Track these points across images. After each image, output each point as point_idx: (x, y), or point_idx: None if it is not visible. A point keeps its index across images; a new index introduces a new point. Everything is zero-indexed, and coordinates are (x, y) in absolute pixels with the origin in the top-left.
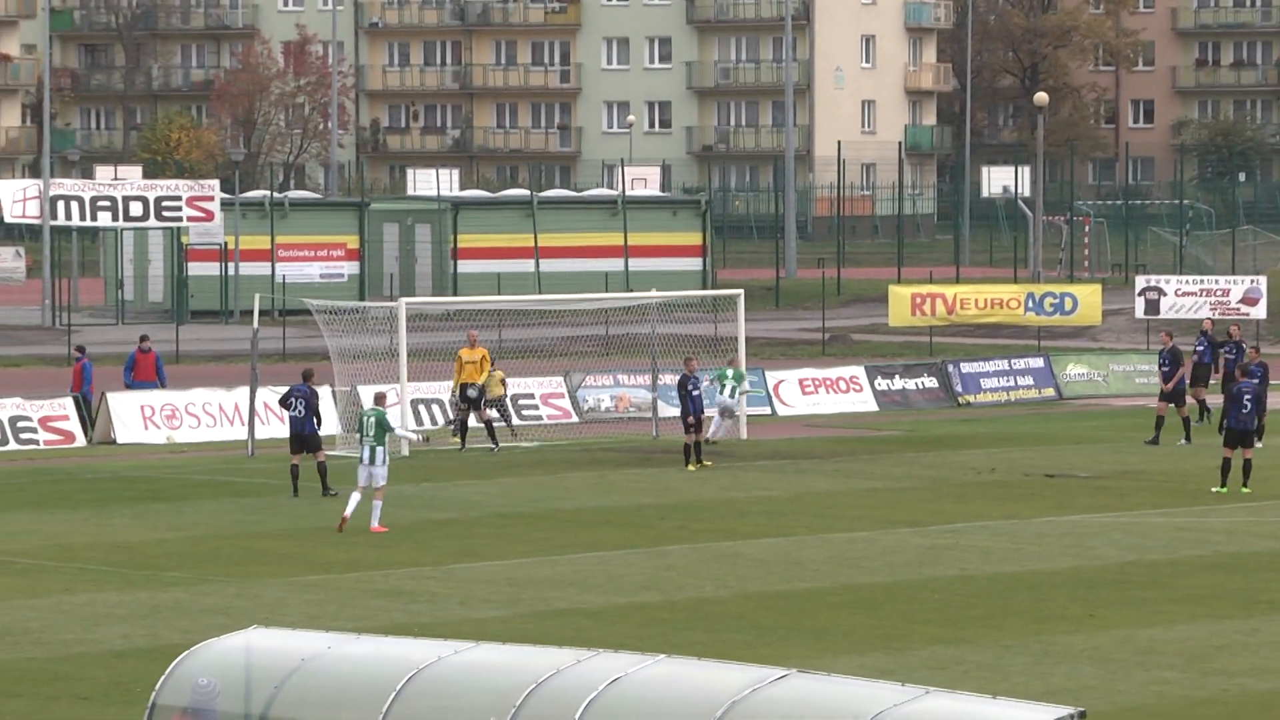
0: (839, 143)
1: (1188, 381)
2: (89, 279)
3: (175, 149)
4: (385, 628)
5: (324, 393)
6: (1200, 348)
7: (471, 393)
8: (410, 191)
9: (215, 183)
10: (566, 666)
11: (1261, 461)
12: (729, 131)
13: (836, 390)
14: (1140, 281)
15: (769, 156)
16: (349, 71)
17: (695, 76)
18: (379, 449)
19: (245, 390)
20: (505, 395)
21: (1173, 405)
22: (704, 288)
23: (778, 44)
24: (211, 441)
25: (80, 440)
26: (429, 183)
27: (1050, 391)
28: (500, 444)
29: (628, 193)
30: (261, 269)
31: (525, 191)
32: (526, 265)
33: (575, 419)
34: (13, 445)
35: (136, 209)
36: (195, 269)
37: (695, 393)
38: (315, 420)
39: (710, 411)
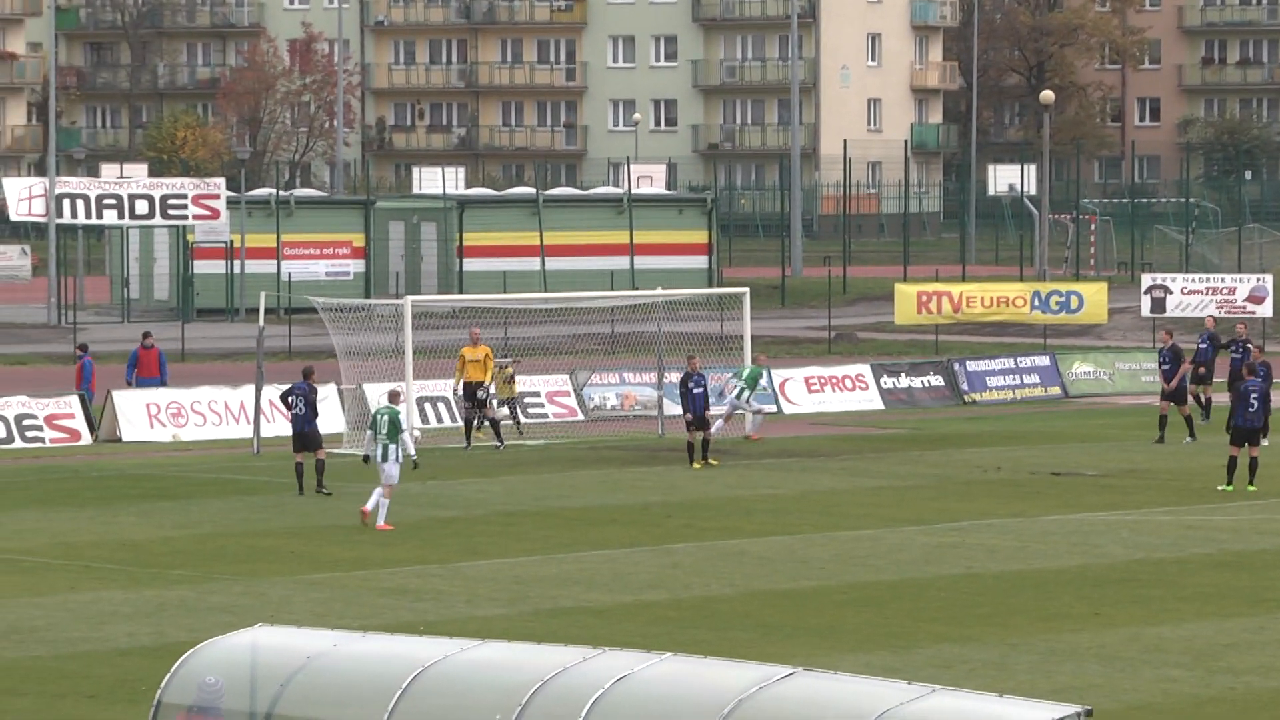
0: (845, 141)
1: (1189, 380)
2: (94, 277)
3: (181, 147)
4: (391, 626)
5: (330, 390)
6: (1203, 345)
7: (482, 394)
8: (416, 190)
9: (221, 181)
10: (573, 665)
11: (1268, 460)
12: (734, 130)
13: (842, 388)
14: (1146, 280)
15: (775, 155)
16: (355, 70)
17: (701, 75)
18: (391, 447)
19: (250, 388)
20: (514, 394)
21: (1174, 404)
22: (710, 286)
23: (783, 42)
24: (217, 439)
25: (86, 438)
26: (434, 181)
27: (1056, 390)
28: (505, 442)
29: (633, 191)
30: (267, 267)
31: (531, 190)
32: (532, 263)
33: (581, 417)
34: (19, 443)
35: (142, 207)
36: (201, 267)
37: (697, 391)
38: (316, 418)
39: (720, 409)
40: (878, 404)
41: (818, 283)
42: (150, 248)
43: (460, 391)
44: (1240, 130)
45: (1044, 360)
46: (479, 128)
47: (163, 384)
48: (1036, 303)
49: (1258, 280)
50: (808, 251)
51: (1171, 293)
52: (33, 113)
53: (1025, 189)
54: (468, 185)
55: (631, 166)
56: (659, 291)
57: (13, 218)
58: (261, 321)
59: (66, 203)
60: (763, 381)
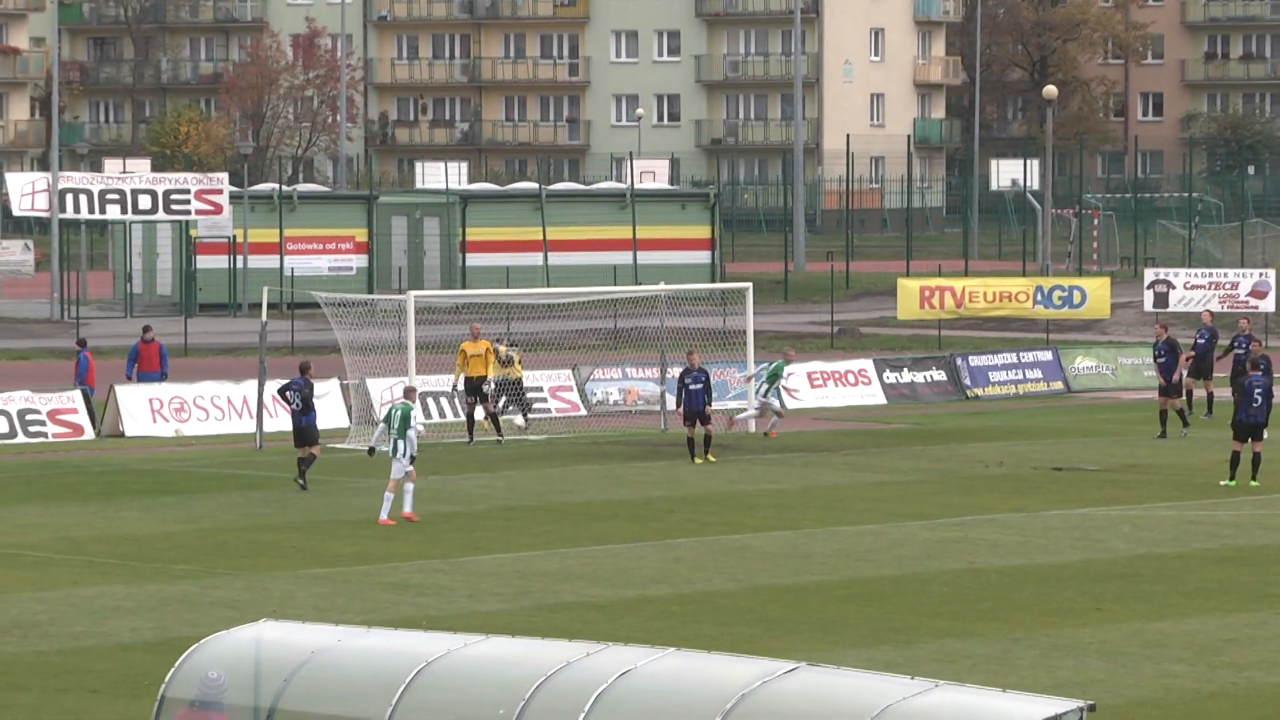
0: (848, 136)
1: (1186, 374)
2: (97, 272)
3: (184, 142)
4: (393, 620)
5: (332, 385)
6: (1201, 340)
7: (487, 388)
8: (419, 185)
9: (224, 176)
10: (576, 659)
11: (1270, 455)
12: (738, 125)
13: (845, 383)
14: (1149, 275)
15: (778, 150)
16: (358, 65)
17: (704, 70)
18: (400, 443)
19: (253, 383)
20: (519, 375)
21: (1170, 397)
22: (712, 281)
23: (786, 37)
24: (219, 435)
25: (89, 433)
26: (437, 176)
27: (1059, 385)
28: (505, 436)
29: (636, 186)
30: (270, 262)
31: (534, 185)
32: (535, 258)
33: (583, 412)
34: (21, 438)
35: (145, 202)
36: (204, 262)
37: (694, 388)
38: (313, 413)
39: (740, 403)
40: (880, 399)
41: (820, 278)
42: (153, 243)
43: (461, 386)
44: (1243, 125)
45: (1046, 355)
46: (482, 123)
47: (164, 377)
48: (1039, 298)
49: (1260, 275)
50: (810, 246)
51: (1174, 288)
52: (36, 108)
53: (1028, 184)
54: (470, 180)
55: (634, 162)
56: (662, 287)
57: (16, 213)
58: (264, 316)
59: (69, 198)
60: (782, 380)
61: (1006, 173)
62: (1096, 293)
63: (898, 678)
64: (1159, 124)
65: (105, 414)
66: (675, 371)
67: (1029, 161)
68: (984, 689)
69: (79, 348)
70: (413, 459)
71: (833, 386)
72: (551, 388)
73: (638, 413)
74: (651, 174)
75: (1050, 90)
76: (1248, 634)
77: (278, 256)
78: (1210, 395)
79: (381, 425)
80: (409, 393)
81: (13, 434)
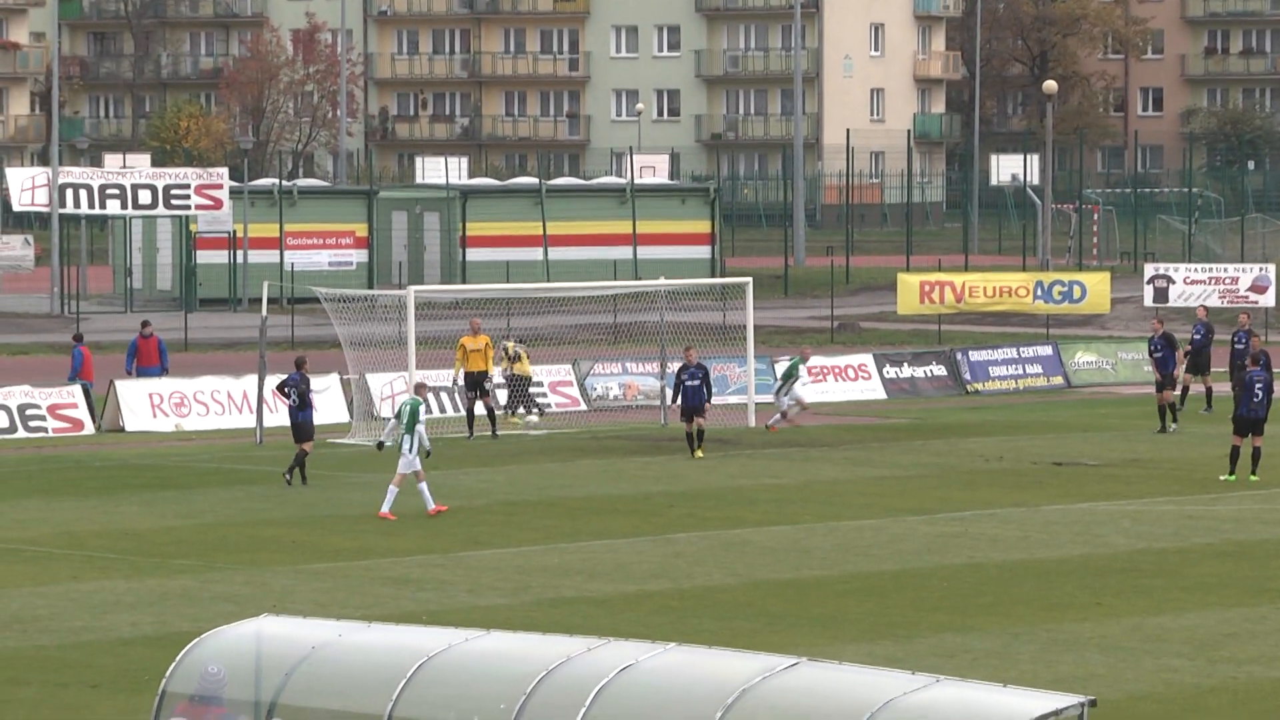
0: (848, 131)
1: (1183, 369)
2: (97, 267)
3: (184, 137)
4: (393, 615)
5: (332, 380)
6: (1197, 336)
7: (489, 384)
8: (419, 180)
9: (224, 171)
10: (577, 654)
11: (1270, 450)
12: (738, 120)
13: (845, 378)
14: (1149, 270)
15: (778, 145)
16: (358, 60)
17: (704, 65)
18: (408, 438)
19: (253, 378)
20: (527, 372)
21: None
22: (712, 276)
23: (786, 32)
24: (220, 429)
25: (89, 428)
26: (438, 171)
27: (1059, 379)
28: (500, 432)
29: (636, 181)
30: (270, 257)
31: (534, 180)
32: (535, 253)
33: (583, 407)
34: (21, 433)
35: (145, 197)
36: (204, 257)
37: (691, 384)
38: (310, 409)
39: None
40: (880, 394)
41: (820, 273)
42: (153, 238)
43: (461, 381)
44: (1243, 120)
45: (1046, 350)
46: (482, 118)
47: (164, 372)
48: (1039, 293)
49: (1260, 270)
50: (810, 241)
51: (1174, 283)
52: (36, 103)
53: (1028, 179)
54: (470, 175)
55: (634, 156)
56: (662, 281)
57: (16, 208)
58: (264, 311)
59: (70, 193)
60: (800, 377)
61: (1006, 168)
62: (1096, 288)
63: (898, 673)
64: (1159, 119)
65: (105, 409)
66: (674, 367)
67: (1029, 156)
68: (984, 684)
69: (75, 343)
70: (428, 453)
71: (832, 381)
72: (551, 382)
73: (638, 408)
74: (651, 169)
75: (1050, 85)
76: (1248, 629)
77: (278, 251)
78: (1208, 390)
79: (392, 421)
80: (419, 388)
81: (13, 429)
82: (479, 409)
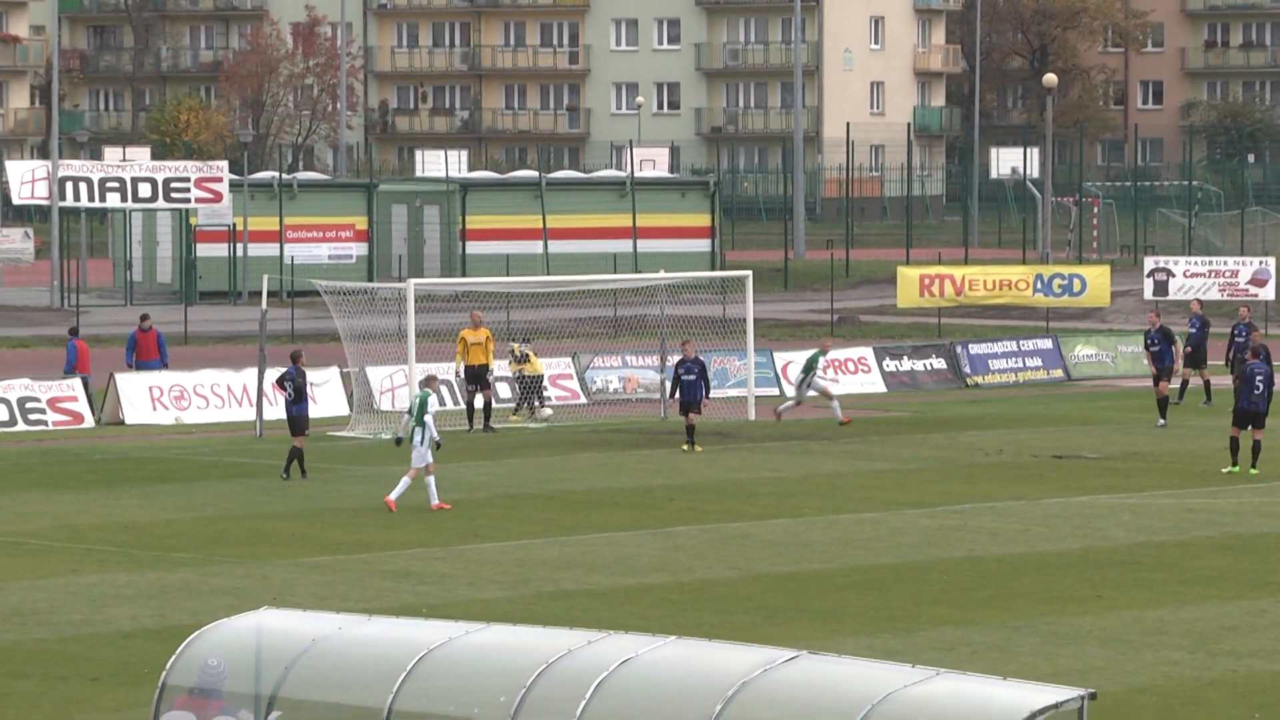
0: (848, 124)
1: (1180, 363)
2: (97, 260)
3: (184, 130)
4: (393, 608)
5: (331, 373)
6: (1193, 329)
7: (490, 377)
8: (419, 173)
9: (224, 164)
10: (577, 647)
11: (1270, 443)
12: (737, 113)
13: (845, 371)
14: (1149, 263)
15: (778, 138)
16: (358, 53)
17: (704, 58)
18: (418, 430)
19: (253, 371)
20: (539, 371)
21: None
22: (712, 269)
23: (786, 25)
24: (219, 422)
25: (89, 421)
26: (437, 164)
27: (1059, 373)
28: (495, 426)
29: (636, 174)
30: (270, 250)
31: (534, 173)
32: (535, 246)
33: (583, 400)
34: (21, 426)
35: (145, 190)
36: (204, 250)
37: (687, 378)
38: (305, 403)
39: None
40: (880, 387)
41: (820, 266)
42: (153, 231)
43: (462, 374)
44: (1243, 113)
45: (1046, 343)
46: (482, 111)
47: (164, 365)
48: (1039, 286)
49: (1260, 263)
50: (810, 235)
51: (1174, 276)
52: (35, 96)
53: (1028, 172)
54: (470, 168)
55: (634, 150)
56: (662, 275)
57: (15, 201)
58: (264, 304)
59: (69, 186)
60: (818, 371)
61: (1006, 161)
62: (1096, 281)
63: (898, 666)
64: (1159, 112)
65: (105, 402)
66: (674, 360)
67: (1029, 149)
68: (984, 677)
69: (70, 336)
70: (438, 445)
71: (832, 374)
72: (551, 376)
73: (638, 401)
74: (651, 162)
75: (1050, 78)
76: (1248, 622)
77: (278, 244)
78: (1206, 383)
79: (406, 415)
80: (429, 380)
81: (13, 422)
82: (478, 402)
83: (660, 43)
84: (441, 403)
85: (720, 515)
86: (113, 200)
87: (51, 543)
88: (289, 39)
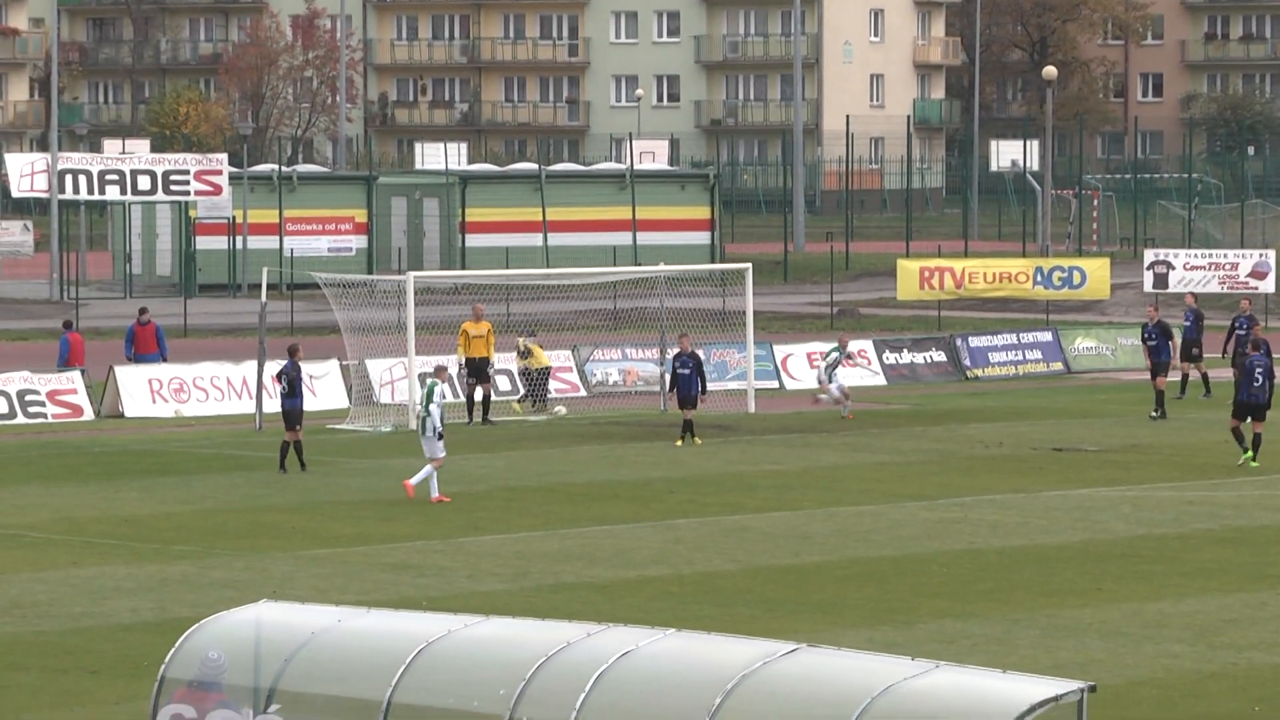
0: (847, 117)
1: (1177, 357)
2: (97, 253)
3: (183, 123)
4: (393, 601)
5: (332, 366)
6: (1188, 323)
7: (491, 370)
8: (418, 165)
9: (223, 157)
10: (576, 640)
11: (1271, 436)
12: (737, 105)
13: (845, 364)
14: (1149, 255)
15: (777, 130)
16: (357, 45)
17: (704, 50)
18: (426, 420)
19: (253, 364)
20: (546, 364)
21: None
22: (712, 262)
23: (786, 18)
24: (219, 415)
25: (88, 414)
26: (437, 157)
27: (1058, 365)
28: (494, 420)
29: (636, 167)
30: (269, 243)
31: (533, 165)
32: (535, 239)
33: (583, 393)
34: (21, 419)
35: (144, 183)
36: (203, 243)
37: (683, 372)
38: (298, 397)
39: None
40: (880, 380)
41: (820, 258)
42: (152, 223)
43: (464, 367)
44: (1243, 106)
45: (1046, 336)
46: (481, 103)
47: (163, 359)
48: (1039, 278)
49: (1260, 256)
50: (810, 227)
51: (1174, 268)
52: (35, 88)
53: (1028, 164)
54: (470, 161)
55: (634, 142)
56: (661, 267)
57: (15, 194)
58: (264, 297)
59: (69, 178)
60: (839, 364)
61: (1006, 153)
62: (1096, 273)
63: (898, 658)
64: (1159, 104)
65: (105, 395)
66: (673, 353)
67: (1029, 142)
68: (984, 669)
69: (64, 329)
70: (440, 435)
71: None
72: (551, 368)
73: (637, 393)
74: (651, 155)
75: (1050, 71)
76: (1248, 614)
77: (277, 237)
78: (1204, 375)
79: (420, 407)
80: (438, 371)
81: (12, 415)
82: (477, 395)
83: (660, 35)
84: (453, 394)
85: (720, 508)
86: (112, 193)
87: (51, 535)
88: (288, 31)
